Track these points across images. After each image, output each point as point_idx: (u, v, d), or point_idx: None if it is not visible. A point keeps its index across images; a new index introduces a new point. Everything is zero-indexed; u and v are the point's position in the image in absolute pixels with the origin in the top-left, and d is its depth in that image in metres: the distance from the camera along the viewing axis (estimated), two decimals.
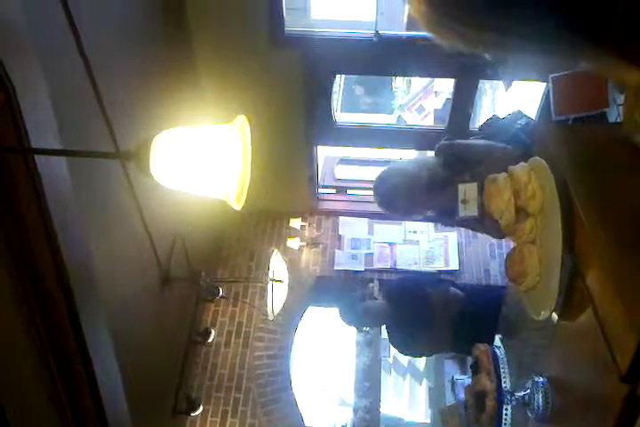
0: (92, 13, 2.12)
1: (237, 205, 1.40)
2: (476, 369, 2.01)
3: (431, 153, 2.85)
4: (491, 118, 2.88)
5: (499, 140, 2.66)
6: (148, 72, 2.84)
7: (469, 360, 2.97)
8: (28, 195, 1.38)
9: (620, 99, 2.96)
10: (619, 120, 3.03)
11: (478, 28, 0.60)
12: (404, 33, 3.50)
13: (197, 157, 1.36)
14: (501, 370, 1.96)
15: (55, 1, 1.83)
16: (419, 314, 3.49)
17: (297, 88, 3.84)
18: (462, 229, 4.28)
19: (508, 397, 1.90)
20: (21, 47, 1.47)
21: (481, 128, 2.88)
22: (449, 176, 2.55)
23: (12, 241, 1.46)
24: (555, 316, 1.70)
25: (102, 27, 2.24)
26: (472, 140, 2.81)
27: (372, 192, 2.77)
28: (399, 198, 2.62)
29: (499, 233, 2.68)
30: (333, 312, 4.01)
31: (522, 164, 1.86)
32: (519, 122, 2.75)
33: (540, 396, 1.82)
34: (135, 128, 2.33)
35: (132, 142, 1.39)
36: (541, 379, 1.84)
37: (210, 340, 3.96)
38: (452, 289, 3.65)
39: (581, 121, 2.54)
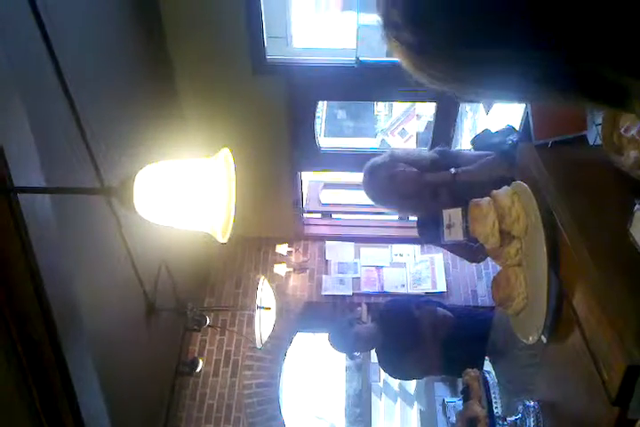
0: (75, 49, 2.13)
1: (223, 238, 1.40)
2: (466, 395, 2.00)
3: None
4: (482, 132, 2.90)
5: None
6: (130, 106, 2.85)
7: (460, 382, 2.95)
8: (10, 233, 1.36)
9: (599, 119, 2.98)
10: (598, 140, 3.06)
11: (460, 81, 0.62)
12: (385, 59, 3.54)
13: (181, 191, 1.35)
14: (492, 395, 1.95)
15: (36, 35, 1.84)
16: (407, 336, 3.49)
17: (280, 115, 3.86)
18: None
19: (500, 422, 1.89)
20: (1, 83, 1.46)
21: (473, 141, 2.90)
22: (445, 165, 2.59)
23: None
24: (543, 338, 1.70)
25: (84, 61, 2.25)
26: (464, 151, 2.84)
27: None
28: (400, 182, 2.52)
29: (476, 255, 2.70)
30: (322, 338, 3.98)
31: (505, 188, 1.88)
32: (510, 138, 2.77)
33: (532, 420, 1.81)
34: (120, 161, 2.33)
35: (117, 175, 1.39)
36: (532, 403, 1.83)
37: (197, 370, 3.89)
38: (441, 310, 3.65)
39: (561, 144, 2.57)
